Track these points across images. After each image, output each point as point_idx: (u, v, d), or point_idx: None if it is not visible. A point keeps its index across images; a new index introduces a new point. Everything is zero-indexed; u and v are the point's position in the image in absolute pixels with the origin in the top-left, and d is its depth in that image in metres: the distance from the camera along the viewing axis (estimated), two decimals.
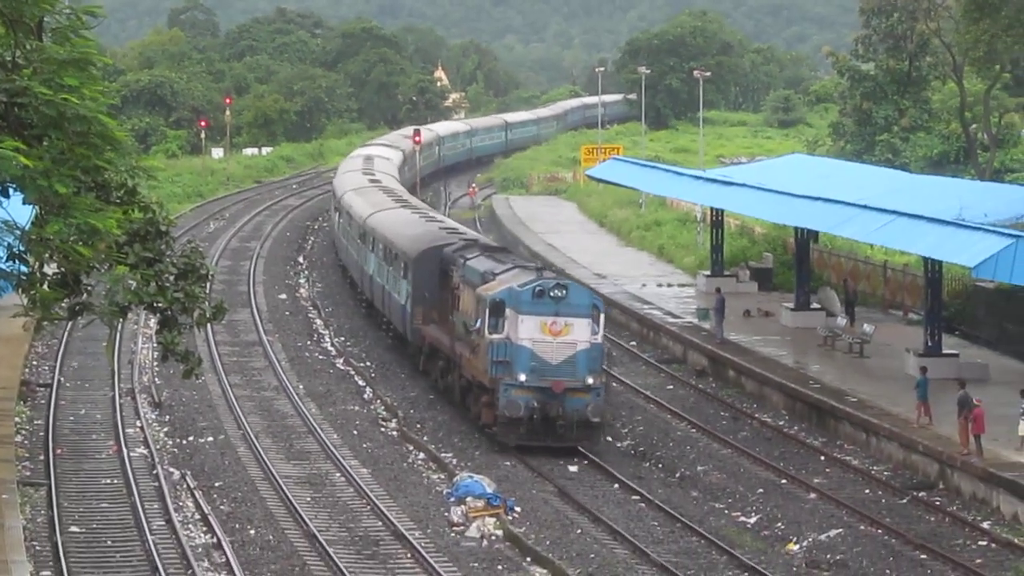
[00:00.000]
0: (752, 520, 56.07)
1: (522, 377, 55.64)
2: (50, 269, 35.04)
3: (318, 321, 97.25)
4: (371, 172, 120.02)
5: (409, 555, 53.07)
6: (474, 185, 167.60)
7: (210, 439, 68.76)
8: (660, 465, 64.51)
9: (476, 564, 52.32)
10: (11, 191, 29.15)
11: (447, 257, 70.42)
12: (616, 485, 60.04)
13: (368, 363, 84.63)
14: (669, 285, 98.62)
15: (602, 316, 59.73)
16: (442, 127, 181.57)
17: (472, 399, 63.26)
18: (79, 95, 28.17)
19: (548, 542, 54.45)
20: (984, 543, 55.03)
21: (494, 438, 59.79)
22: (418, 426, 70.64)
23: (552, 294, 55.27)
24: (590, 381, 56.60)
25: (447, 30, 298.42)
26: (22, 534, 51.41)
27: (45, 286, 35.65)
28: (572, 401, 55.86)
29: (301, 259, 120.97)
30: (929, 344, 74.48)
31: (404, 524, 56.24)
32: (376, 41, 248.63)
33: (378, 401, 76.21)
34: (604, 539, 54.30)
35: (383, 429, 71.30)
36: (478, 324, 60.33)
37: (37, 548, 51.43)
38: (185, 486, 61.32)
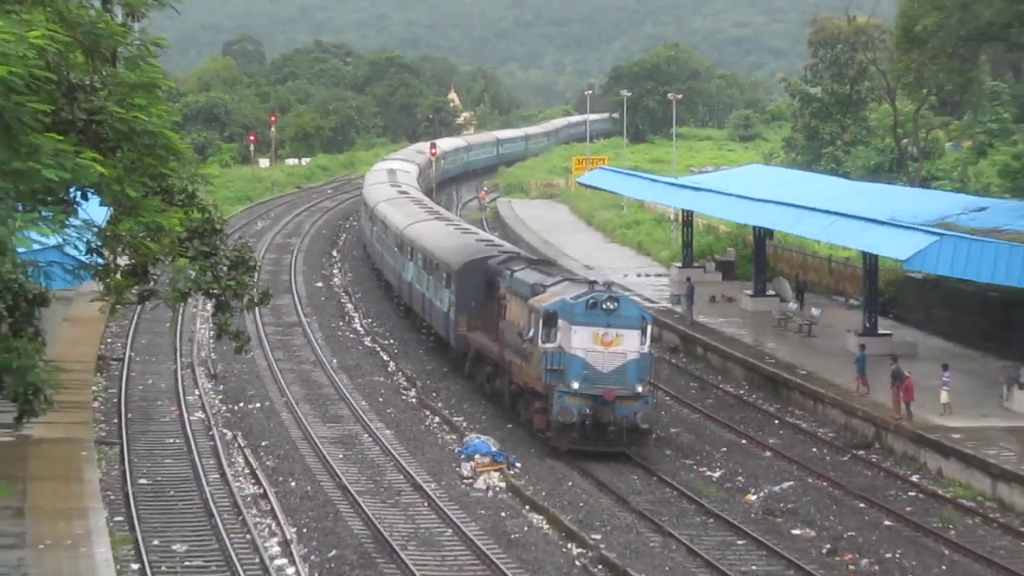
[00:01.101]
0: (716, 474, 56.01)
1: (575, 385, 51.96)
2: (122, 261, 35.12)
3: (349, 305, 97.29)
4: (397, 184, 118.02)
5: (426, 503, 53.09)
6: (484, 189, 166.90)
7: (257, 405, 68.80)
8: None
9: (483, 511, 52.27)
10: (90, 195, 29.16)
11: (492, 269, 65.64)
12: None
13: (391, 341, 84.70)
14: (647, 275, 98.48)
15: (650, 328, 56.57)
16: (445, 143, 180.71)
17: (523, 404, 59.43)
18: (147, 113, 28.20)
19: (544, 493, 54.46)
20: (913, 494, 55.11)
21: (547, 442, 56.09)
22: (433, 395, 70.68)
23: (604, 306, 51.67)
24: (639, 389, 52.96)
25: (458, 58, 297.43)
26: (98, 485, 51.48)
27: (118, 275, 35.74)
28: (622, 408, 52.10)
29: (335, 253, 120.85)
30: (867, 325, 74.46)
31: (422, 477, 56.32)
32: (398, 68, 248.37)
33: (400, 373, 76.25)
34: (591, 490, 54.29)
35: (404, 397, 71.33)
36: (531, 333, 55.57)
37: (111, 497, 51.43)
38: (236, 445, 61.37)
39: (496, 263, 64.55)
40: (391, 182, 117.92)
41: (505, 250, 70.85)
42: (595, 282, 58.80)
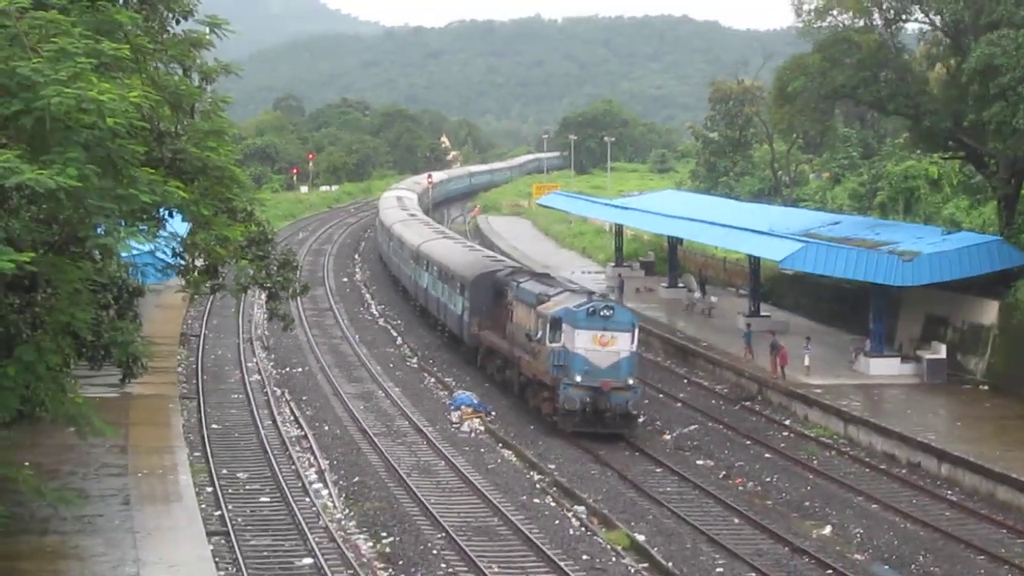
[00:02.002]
0: (640, 420, 55.83)
1: (578, 378, 50.05)
2: (199, 262, 35.07)
3: (367, 295, 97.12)
4: (406, 208, 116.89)
5: (424, 442, 53.18)
6: (477, 207, 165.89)
7: (299, 369, 68.75)
8: None
9: (467, 448, 52.44)
10: (174, 213, 29.18)
11: (500, 280, 63.17)
12: None
13: (399, 322, 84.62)
14: (589, 272, 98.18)
15: (636, 330, 53.70)
16: (436, 176, 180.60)
17: (531, 393, 56.68)
18: (217, 153, 28.17)
19: (512, 434, 54.61)
20: (786, 434, 55.23)
21: (554, 426, 53.14)
22: (430, 362, 70.69)
23: (602, 313, 50.10)
24: (630, 381, 51.11)
25: (448, 111, 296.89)
26: (181, 430, 51.42)
27: (196, 273, 35.64)
28: (616, 397, 50.34)
29: (356, 256, 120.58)
30: (751, 309, 74.47)
31: (422, 423, 56.41)
32: (403, 118, 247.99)
33: (405, 346, 76.19)
34: (547, 433, 54.44)
35: (408, 363, 71.29)
36: (539, 335, 53.25)
37: (191, 438, 51.39)
38: (284, 399, 61.39)
39: (503, 275, 63.02)
40: (400, 207, 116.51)
41: (509, 264, 69.98)
42: (593, 292, 57.68)
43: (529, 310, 55.61)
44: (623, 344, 50.21)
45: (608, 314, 49.85)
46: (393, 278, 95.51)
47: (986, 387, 59.19)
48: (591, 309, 49.73)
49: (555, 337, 50.93)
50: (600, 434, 51.00)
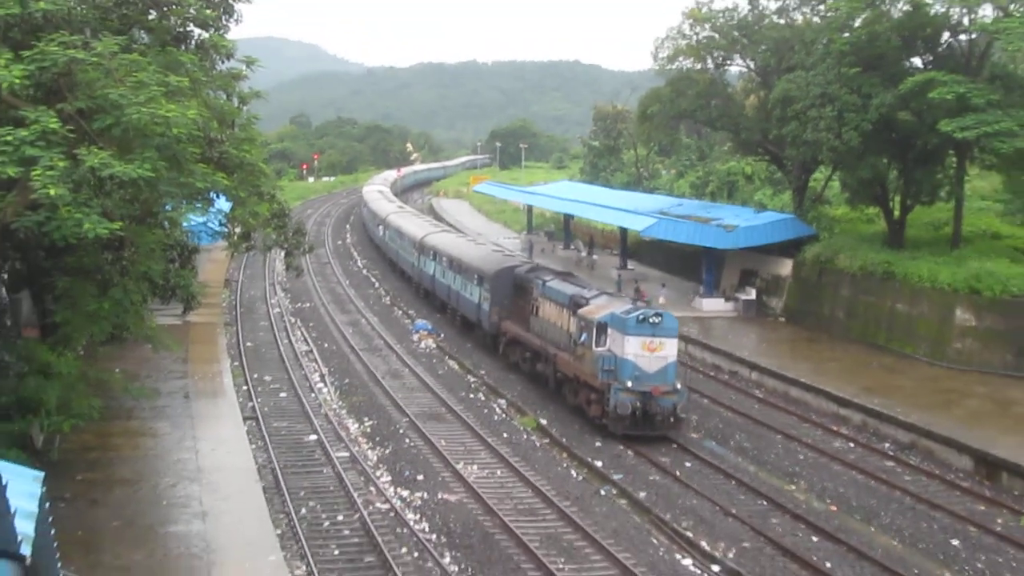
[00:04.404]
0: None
1: (629, 384, 38.59)
2: (237, 230, 34.93)
3: (355, 253, 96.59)
4: (387, 197, 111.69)
5: (394, 355, 53.16)
6: (444, 191, 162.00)
7: (308, 304, 68.44)
8: None
9: (424, 359, 52.50)
10: (220, 195, 29.07)
11: (520, 276, 50.45)
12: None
13: (376, 272, 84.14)
14: (508, 238, 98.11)
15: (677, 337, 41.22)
16: (402, 171, 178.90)
17: (569, 391, 43.01)
18: (249, 153, 28.07)
19: (455, 350, 54.61)
20: None
21: (604, 428, 39.66)
22: (399, 300, 70.49)
23: (651, 320, 38.85)
24: (677, 385, 39.15)
25: (412, 126, 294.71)
26: (225, 346, 51.36)
27: (235, 237, 35.52)
28: (664, 400, 38.73)
29: (348, 226, 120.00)
30: (621, 264, 74.93)
31: (390, 341, 56.39)
32: (380, 131, 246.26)
33: (381, 289, 75.85)
34: (479, 352, 54.53)
35: (383, 301, 71.04)
36: (583, 338, 40.95)
37: (231, 352, 51.26)
38: (297, 325, 61.22)
39: (523, 271, 50.83)
40: (384, 198, 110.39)
41: (523, 260, 58.13)
42: (636, 300, 46.34)
43: (561, 309, 44.03)
44: (670, 350, 38.98)
45: (657, 321, 38.72)
46: (391, 262, 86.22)
47: (783, 319, 59.96)
48: (641, 317, 38.71)
49: (601, 341, 39.58)
50: (648, 436, 38.91)
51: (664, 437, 38.82)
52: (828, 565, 28.11)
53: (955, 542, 30.05)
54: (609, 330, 38.95)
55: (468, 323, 57.46)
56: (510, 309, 50.18)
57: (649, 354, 38.23)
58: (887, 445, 39.03)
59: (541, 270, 50.48)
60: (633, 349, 38.01)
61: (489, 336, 53.20)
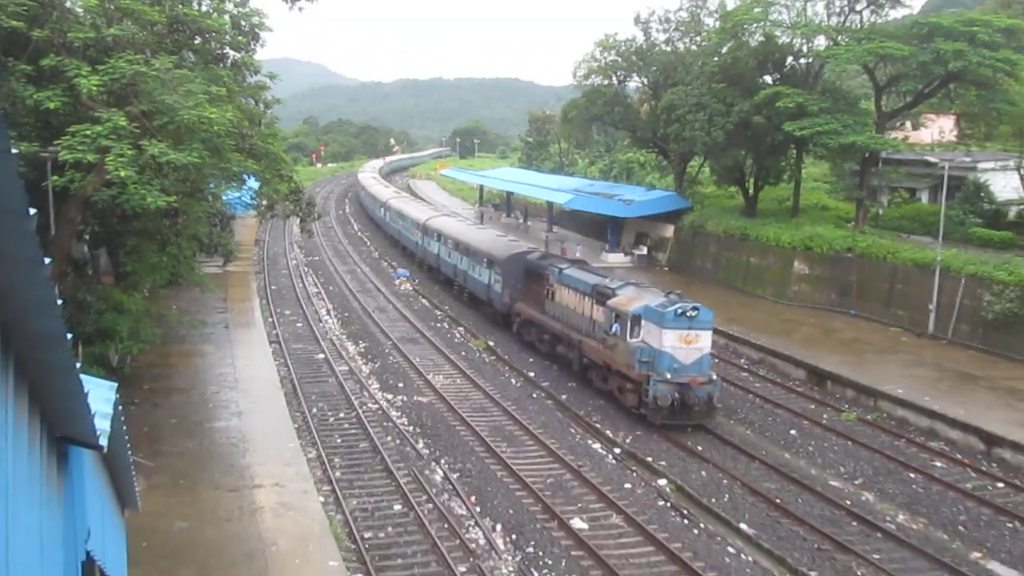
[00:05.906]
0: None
1: (667, 375, 29.75)
2: (264, 203, 34.45)
3: (353, 221, 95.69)
4: (380, 181, 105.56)
5: (382, 295, 52.81)
6: (419, 175, 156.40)
7: (317, 257, 67.78)
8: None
9: (403, 299, 52.06)
10: (251, 177, 28.67)
11: (532, 262, 41.41)
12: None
13: (369, 234, 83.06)
14: (466, 209, 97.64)
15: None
16: (387, 159, 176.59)
17: (597, 376, 33.99)
18: (273, 145, 27.70)
19: (426, 291, 54.31)
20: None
21: (643, 418, 30.56)
22: (386, 256, 69.97)
23: (688, 314, 29.85)
24: (713, 376, 30.50)
25: (394, 126, 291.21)
26: (255, 289, 50.78)
27: (262, 208, 35.07)
28: (700, 391, 29.83)
29: (347, 200, 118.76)
30: (548, 229, 74.63)
31: (378, 285, 55.92)
32: (371, 130, 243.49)
33: (372, 246, 75.15)
34: (447, 293, 54.33)
35: (372, 255, 70.32)
36: (614, 329, 31.99)
37: (261, 294, 50.75)
38: (311, 273, 60.70)
39: (535, 258, 41.89)
40: (379, 183, 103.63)
41: (532, 247, 46.97)
42: (670, 293, 32.43)
43: (582, 297, 35.69)
44: (705, 342, 30.43)
45: (694, 314, 30.09)
46: (391, 238, 76.46)
47: (667, 269, 60.11)
48: (679, 310, 30.04)
49: (635, 333, 30.99)
50: (684, 425, 30.30)
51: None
52: (690, 443, 28.56)
53: (793, 432, 30.52)
54: (644, 322, 30.75)
55: (475, 299, 48.57)
56: (523, 292, 41.77)
57: (686, 346, 30.16)
58: (743, 360, 39.50)
59: (554, 258, 42.69)
60: (671, 342, 30.00)
61: (500, 315, 44.30)
